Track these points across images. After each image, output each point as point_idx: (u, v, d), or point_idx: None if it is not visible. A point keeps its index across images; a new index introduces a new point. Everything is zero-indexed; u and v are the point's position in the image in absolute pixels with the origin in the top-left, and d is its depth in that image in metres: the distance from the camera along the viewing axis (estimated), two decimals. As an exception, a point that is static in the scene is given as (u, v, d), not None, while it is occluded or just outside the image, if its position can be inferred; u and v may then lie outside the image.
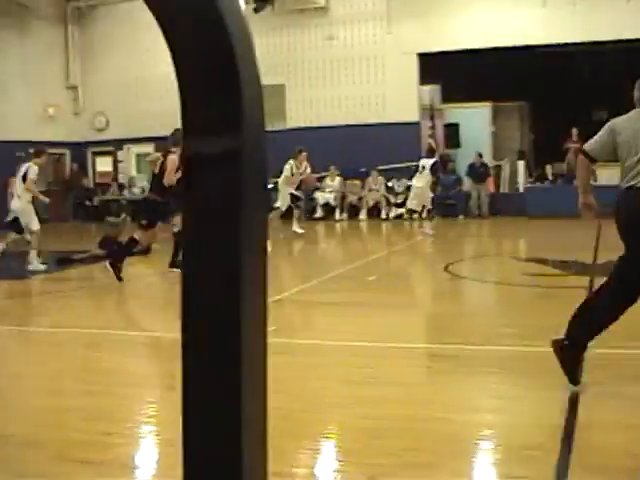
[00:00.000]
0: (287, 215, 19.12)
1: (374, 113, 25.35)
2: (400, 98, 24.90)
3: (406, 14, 24.72)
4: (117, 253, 12.93)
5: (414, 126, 25.13)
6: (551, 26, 23.53)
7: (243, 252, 0.75)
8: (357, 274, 13.08)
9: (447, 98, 26.13)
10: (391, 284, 12.15)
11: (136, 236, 12.68)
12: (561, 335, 6.01)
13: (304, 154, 19.43)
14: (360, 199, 25.01)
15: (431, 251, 16.18)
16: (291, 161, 19.40)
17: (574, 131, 24.37)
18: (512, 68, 24.08)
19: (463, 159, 25.39)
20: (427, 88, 25.92)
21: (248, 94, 0.75)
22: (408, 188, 24.62)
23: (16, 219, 14.47)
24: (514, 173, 25.74)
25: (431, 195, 19.24)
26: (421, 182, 18.92)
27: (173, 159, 12.27)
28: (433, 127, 25.85)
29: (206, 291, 0.78)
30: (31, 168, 14.38)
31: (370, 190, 24.81)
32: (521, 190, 24.38)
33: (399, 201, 24.62)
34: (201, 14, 0.71)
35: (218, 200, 0.74)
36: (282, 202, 19.23)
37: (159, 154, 13.44)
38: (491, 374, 6.75)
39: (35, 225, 14.34)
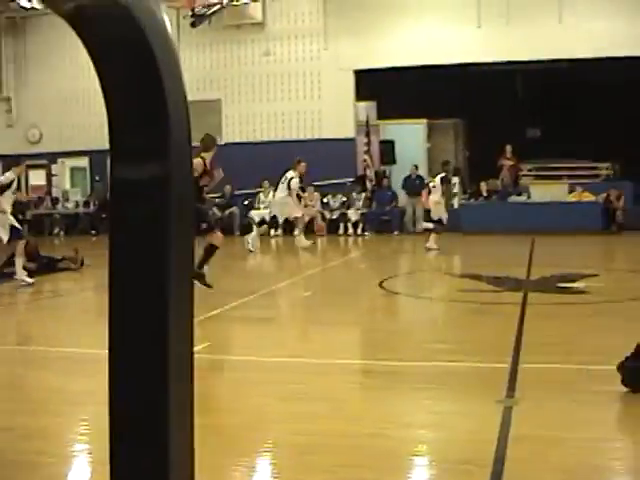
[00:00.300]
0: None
1: (310, 129, 25.45)
2: (336, 114, 25.02)
3: (343, 31, 24.87)
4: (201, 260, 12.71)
5: (350, 142, 25.26)
6: (486, 45, 23.89)
7: (169, 275, 0.75)
8: (292, 290, 13.08)
9: (383, 115, 26.30)
10: (326, 300, 12.16)
11: (213, 241, 12.52)
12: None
13: (303, 164, 19.24)
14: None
15: (366, 267, 16.24)
16: (291, 172, 19.09)
17: (508, 148, 24.73)
18: (447, 86, 24.34)
19: (398, 175, 25.58)
20: (363, 104, 26.07)
21: (175, 121, 0.74)
22: (343, 204, 24.79)
23: None
24: (449, 189, 25.97)
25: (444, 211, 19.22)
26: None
27: (197, 162, 12.13)
28: (369, 143, 26.00)
29: (133, 312, 0.77)
30: None
31: (306, 206, 24.81)
32: (456, 206, 24.61)
33: (334, 217, 24.70)
34: (129, 42, 0.71)
35: (145, 225, 0.74)
36: (281, 215, 19.04)
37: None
38: (425, 390, 6.78)
39: None
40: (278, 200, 19.59)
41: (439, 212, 19.00)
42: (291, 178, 19.12)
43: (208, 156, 12.52)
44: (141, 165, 0.74)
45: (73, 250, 16.03)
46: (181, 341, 0.81)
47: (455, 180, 24.97)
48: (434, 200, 18.92)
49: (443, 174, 19.42)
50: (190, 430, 0.85)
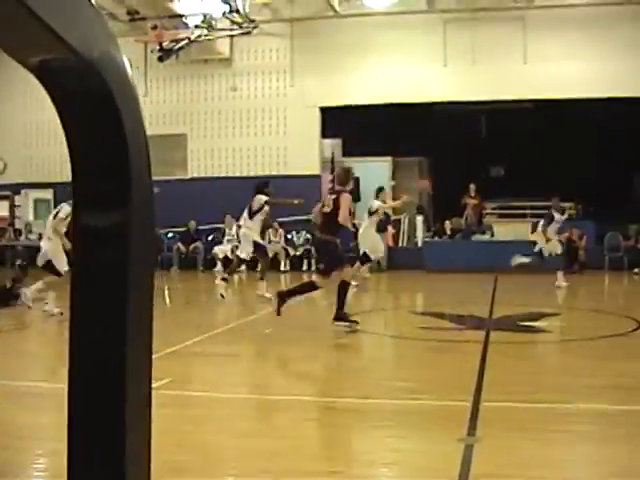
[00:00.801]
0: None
1: (275, 165, 25.51)
2: (302, 151, 25.12)
3: (309, 68, 25.03)
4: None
5: (315, 179, 25.34)
6: (451, 84, 24.18)
7: (128, 318, 0.76)
8: (254, 326, 13.05)
9: (348, 152, 26.44)
10: (288, 336, 12.12)
11: (315, 280, 12.57)
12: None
13: (386, 192, 18.98)
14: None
15: (329, 303, 16.19)
16: (377, 202, 18.65)
17: (472, 187, 24.93)
18: (412, 124, 24.57)
19: (363, 213, 25.63)
20: (329, 141, 26.21)
21: (137, 170, 0.76)
22: (308, 240, 24.79)
23: None
24: (413, 227, 26.13)
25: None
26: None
27: (348, 197, 12.25)
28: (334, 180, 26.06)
29: (92, 352, 0.79)
30: None
31: (270, 242, 24.82)
32: (419, 244, 24.72)
33: (298, 253, 24.73)
34: (92, 95, 0.73)
35: (106, 271, 0.75)
36: (372, 250, 18.48)
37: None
38: (387, 428, 6.78)
39: None
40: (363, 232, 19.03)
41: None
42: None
43: (348, 189, 12.49)
44: (103, 212, 0.75)
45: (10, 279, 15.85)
46: (139, 381, 0.82)
47: (419, 218, 25.12)
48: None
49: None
50: (147, 468, 0.86)
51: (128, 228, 0.75)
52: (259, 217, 16.10)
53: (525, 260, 19.32)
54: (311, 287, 12.70)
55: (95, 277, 0.76)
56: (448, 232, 25.02)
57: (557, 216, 18.90)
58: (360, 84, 24.73)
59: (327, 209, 12.36)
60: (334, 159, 26.18)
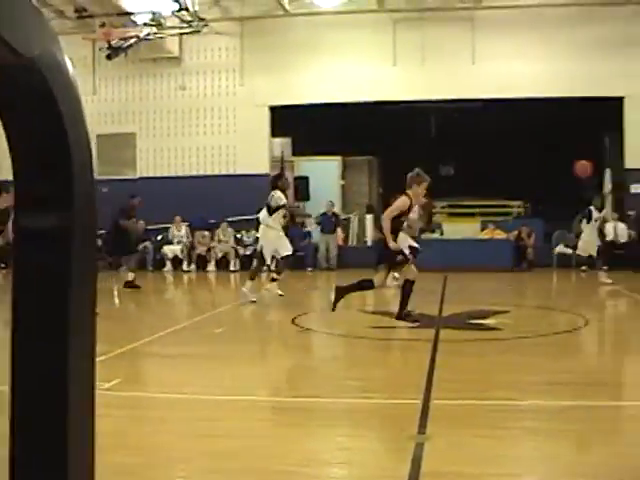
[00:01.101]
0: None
1: (225, 164, 25.38)
2: (251, 150, 25.03)
3: (259, 67, 24.96)
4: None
5: (264, 178, 25.29)
6: (401, 83, 24.31)
7: (70, 320, 0.75)
8: (205, 326, 12.99)
9: (298, 151, 26.44)
10: (239, 336, 12.10)
11: (408, 276, 12.61)
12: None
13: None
14: (209, 250, 24.87)
15: (279, 303, 16.22)
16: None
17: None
18: (362, 123, 24.64)
19: (312, 212, 25.67)
20: (278, 140, 26.17)
21: (78, 167, 0.75)
22: (257, 240, 24.68)
23: None
24: (363, 226, 26.18)
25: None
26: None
27: (403, 200, 12.34)
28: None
29: (34, 355, 0.78)
30: None
31: (219, 241, 24.75)
32: (369, 243, 24.78)
33: (247, 253, 24.67)
34: (34, 94, 0.72)
35: (47, 275, 0.74)
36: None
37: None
38: (338, 426, 6.80)
39: None
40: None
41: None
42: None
43: (411, 193, 12.44)
44: (44, 213, 0.74)
45: None
46: (82, 384, 0.81)
47: (368, 217, 25.17)
48: None
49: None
50: (91, 472, 0.85)
51: (70, 229, 0.74)
52: (279, 214, 15.81)
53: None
54: (369, 286, 12.77)
55: (36, 279, 0.75)
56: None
57: None
58: (310, 83, 24.74)
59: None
60: (283, 158, 26.16)
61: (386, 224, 12.26)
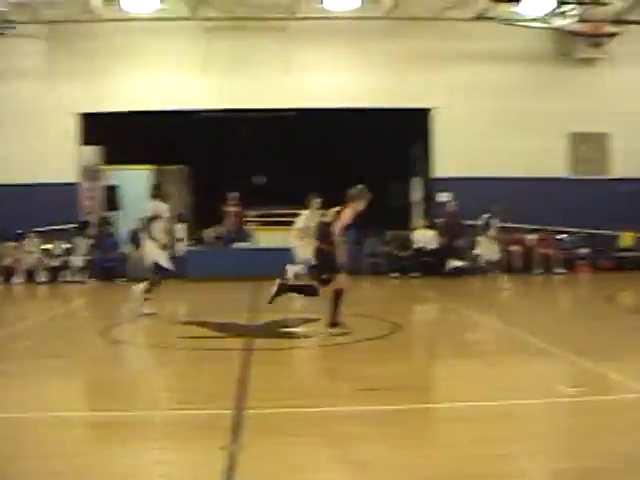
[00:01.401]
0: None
1: (33, 172, 24.31)
2: (60, 158, 24.30)
3: (69, 72, 24.32)
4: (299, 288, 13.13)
5: (73, 187, 24.69)
6: (210, 92, 24.45)
7: None
8: (9, 341, 12.49)
9: (110, 159, 25.93)
10: (46, 350, 11.68)
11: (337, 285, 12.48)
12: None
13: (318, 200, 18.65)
14: (15, 262, 24.05)
15: (89, 315, 15.87)
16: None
17: (233, 195, 25.00)
18: (173, 132, 24.44)
19: (123, 221, 25.15)
20: (88, 149, 25.59)
21: None
22: (67, 251, 24.08)
23: None
24: (173, 236, 25.91)
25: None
26: None
27: (349, 212, 12.44)
28: (93, 189, 25.59)
29: None
30: None
31: (26, 253, 23.98)
32: (180, 253, 24.57)
33: (57, 264, 24.01)
34: None
35: None
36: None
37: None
38: (152, 440, 6.69)
39: None
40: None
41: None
42: None
43: (355, 207, 12.59)
44: None
45: None
46: None
47: (180, 226, 24.97)
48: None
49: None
50: None
51: None
52: (159, 225, 15.21)
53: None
54: (313, 292, 12.83)
55: None
56: (210, 240, 25.00)
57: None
58: (122, 90, 24.39)
59: (327, 219, 12.77)
60: (90, 167, 25.57)
61: (337, 237, 12.42)
